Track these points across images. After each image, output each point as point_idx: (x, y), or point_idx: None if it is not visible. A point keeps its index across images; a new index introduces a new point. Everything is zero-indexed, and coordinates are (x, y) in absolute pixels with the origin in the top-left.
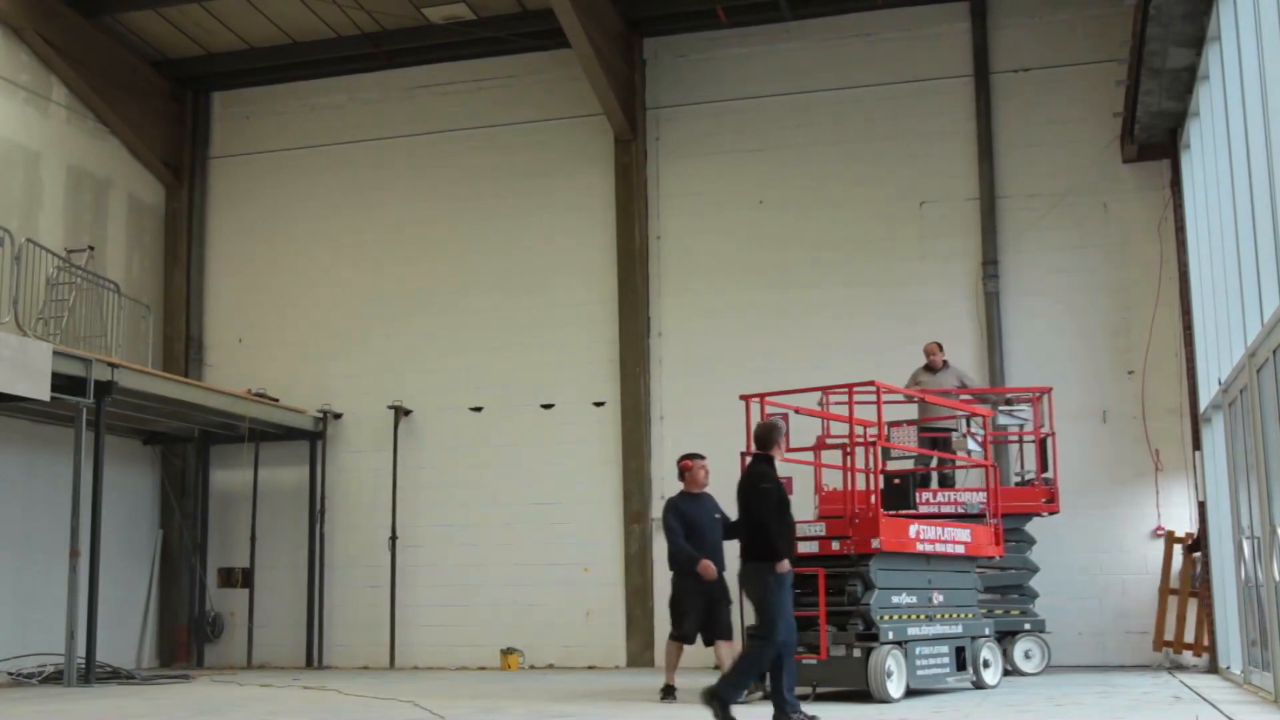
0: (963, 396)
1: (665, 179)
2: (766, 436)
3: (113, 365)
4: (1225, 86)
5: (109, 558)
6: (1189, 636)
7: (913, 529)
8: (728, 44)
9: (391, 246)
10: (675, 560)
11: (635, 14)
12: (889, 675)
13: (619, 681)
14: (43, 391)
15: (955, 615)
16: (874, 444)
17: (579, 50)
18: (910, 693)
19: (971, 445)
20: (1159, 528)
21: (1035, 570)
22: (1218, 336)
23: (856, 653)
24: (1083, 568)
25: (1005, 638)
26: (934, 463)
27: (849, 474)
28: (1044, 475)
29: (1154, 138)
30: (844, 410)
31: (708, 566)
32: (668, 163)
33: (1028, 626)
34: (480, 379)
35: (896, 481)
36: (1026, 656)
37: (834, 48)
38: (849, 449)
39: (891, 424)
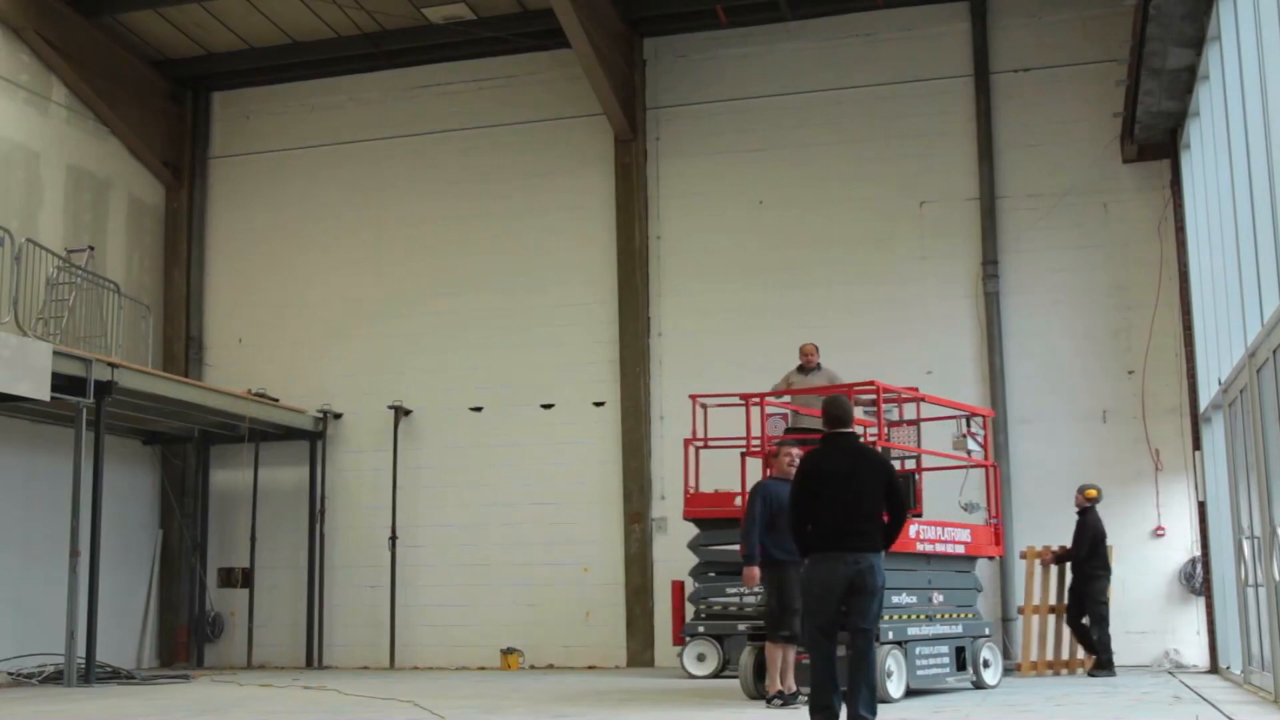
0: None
1: (665, 179)
2: (849, 412)
3: (113, 365)
4: (1225, 86)
5: (109, 558)
6: (1069, 654)
7: (913, 529)
8: (728, 44)
9: (391, 246)
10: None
11: (635, 14)
12: (889, 675)
13: (619, 682)
14: (43, 391)
15: (955, 615)
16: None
17: (579, 50)
18: (910, 693)
19: (972, 445)
20: (1159, 528)
21: None
22: (1218, 336)
23: None
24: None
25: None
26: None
27: None
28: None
29: (1154, 138)
30: None
31: (751, 575)
32: (668, 163)
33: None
34: (480, 379)
35: None
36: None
37: (834, 48)
38: None
39: (891, 424)
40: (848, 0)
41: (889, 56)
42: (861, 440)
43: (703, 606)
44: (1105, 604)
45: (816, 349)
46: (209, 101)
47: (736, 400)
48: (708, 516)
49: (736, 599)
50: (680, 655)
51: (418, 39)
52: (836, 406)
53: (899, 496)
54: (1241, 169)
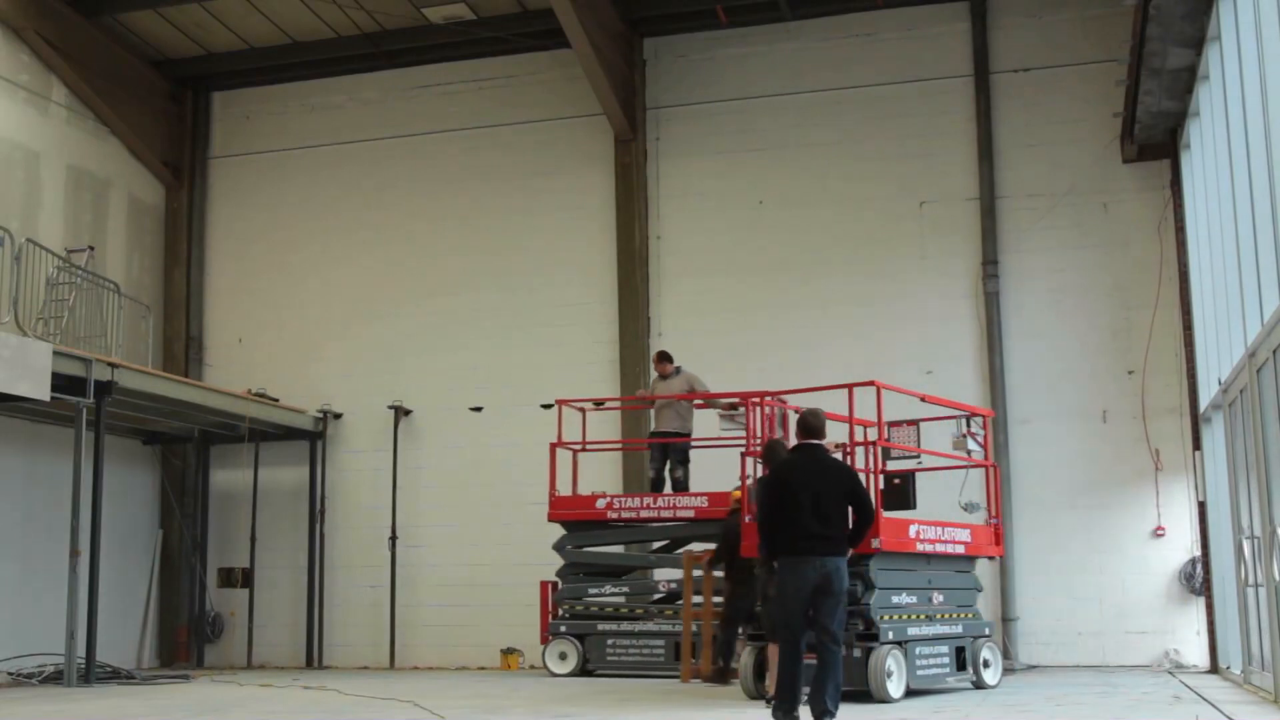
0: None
1: (665, 179)
2: (821, 425)
3: (113, 365)
4: (1225, 86)
5: (109, 558)
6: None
7: (913, 529)
8: (728, 44)
9: (392, 246)
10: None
11: (635, 14)
12: (889, 675)
13: (618, 682)
14: (43, 391)
15: (955, 615)
16: (874, 444)
17: (579, 50)
18: (910, 693)
19: (972, 445)
20: (1159, 528)
21: None
22: (1218, 336)
23: (856, 653)
24: (1083, 568)
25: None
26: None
27: None
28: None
29: (1154, 138)
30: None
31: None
32: (668, 162)
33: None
34: (480, 379)
35: (897, 481)
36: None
37: (834, 48)
38: (849, 449)
39: (891, 424)
40: (848, 0)
41: (889, 56)
42: (829, 452)
43: (566, 607)
44: (742, 609)
45: (670, 358)
46: (209, 101)
47: (590, 405)
48: (572, 519)
49: (598, 599)
50: (544, 654)
51: (418, 39)
52: (813, 418)
53: (862, 503)
54: (1241, 169)
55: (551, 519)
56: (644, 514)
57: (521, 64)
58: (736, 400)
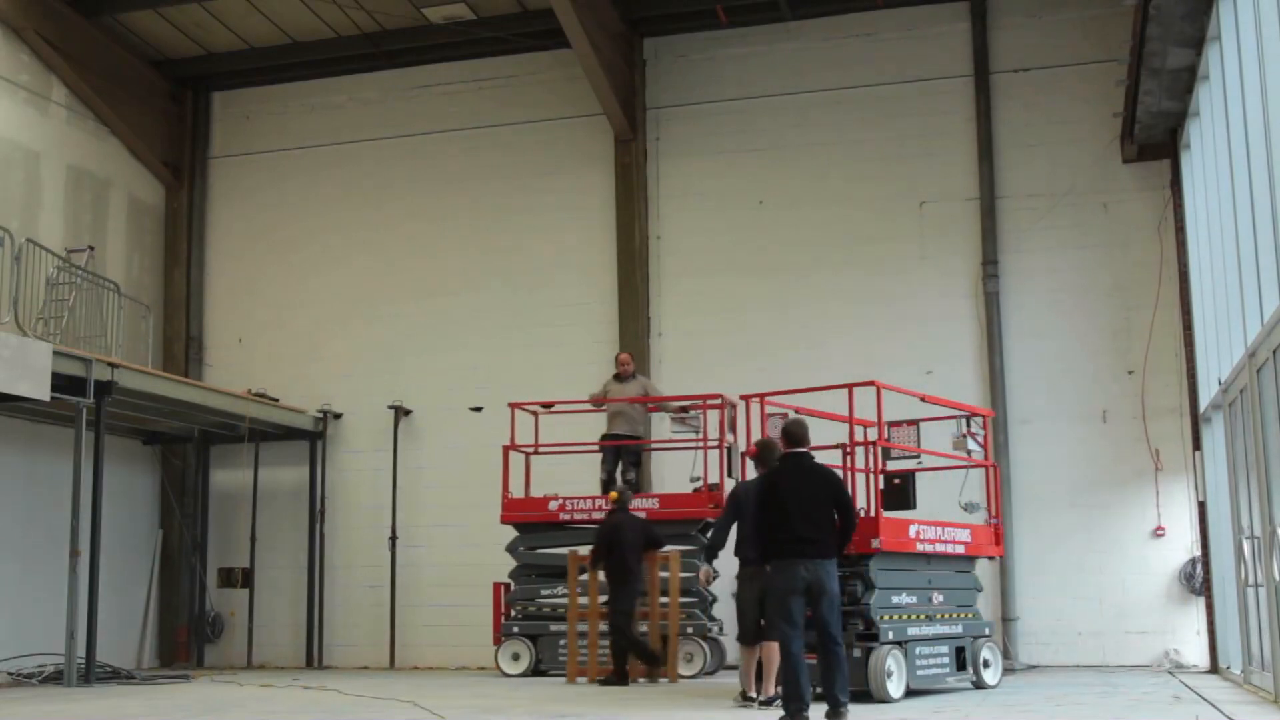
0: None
1: (665, 179)
2: (806, 434)
3: (113, 365)
4: (1225, 86)
5: (109, 558)
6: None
7: (913, 529)
8: (728, 44)
9: (392, 246)
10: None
11: (635, 14)
12: (889, 675)
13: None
14: (43, 391)
15: (955, 615)
16: (874, 444)
17: (579, 50)
18: (910, 693)
19: (972, 445)
20: (1159, 528)
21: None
22: (1218, 336)
23: (856, 653)
24: (1083, 568)
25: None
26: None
27: (849, 474)
28: (710, 483)
29: (1154, 138)
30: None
31: (706, 574)
32: (668, 162)
33: (690, 630)
34: (480, 379)
35: (897, 481)
36: (688, 659)
37: (834, 47)
38: (849, 449)
39: (891, 424)
40: (848, 0)
41: (889, 56)
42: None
43: (519, 608)
44: (624, 613)
45: (631, 358)
46: (209, 101)
47: (539, 408)
48: (524, 521)
49: (551, 600)
50: (496, 655)
51: (418, 39)
52: (797, 427)
53: (847, 509)
54: (1241, 169)
55: (504, 521)
56: (596, 516)
57: (521, 64)
58: (687, 404)
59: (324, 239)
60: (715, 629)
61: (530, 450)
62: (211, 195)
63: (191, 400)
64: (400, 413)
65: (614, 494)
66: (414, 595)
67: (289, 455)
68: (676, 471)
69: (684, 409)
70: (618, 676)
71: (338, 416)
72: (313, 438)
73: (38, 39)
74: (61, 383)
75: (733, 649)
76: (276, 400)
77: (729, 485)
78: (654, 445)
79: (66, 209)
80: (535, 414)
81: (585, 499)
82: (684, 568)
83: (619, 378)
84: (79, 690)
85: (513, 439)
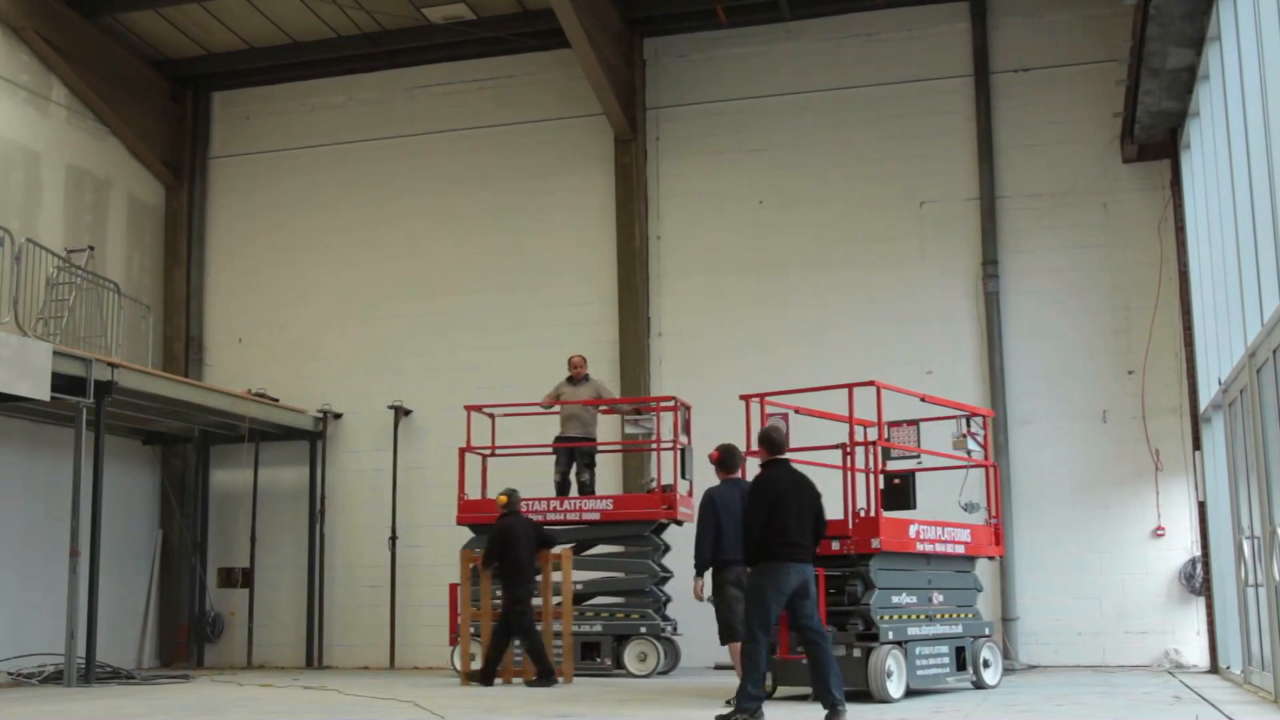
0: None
1: (665, 179)
2: (786, 439)
3: (113, 365)
4: (1225, 86)
5: (109, 558)
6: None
7: (913, 529)
8: (728, 44)
9: (391, 246)
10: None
11: (635, 14)
12: (889, 675)
13: (618, 682)
14: (43, 391)
15: (955, 615)
16: (874, 444)
17: (579, 50)
18: (910, 693)
19: (972, 445)
20: (1159, 528)
21: (662, 576)
22: (1218, 336)
23: (856, 653)
24: (1082, 567)
25: (621, 640)
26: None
27: (849, 474)
28: (664, 483)
29: (1154, 138)
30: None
31: (700, 588)
32: (668, 162)
33: (644, 630)
34: (480, 379)
35: (897, 481)
36: (641, 659)
37: (834, 48)
38: (849, 449)
39: (891, 424)
40: (848, 0)
41: (889, 56)
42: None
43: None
44: (522, 601)
45: (585, 360)
46: (209, 101)
47: (499, 411)
48: (479, 522)
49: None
50: (451, 655)
51: (418, 39)
52: (777, 434)
53: (822, 516)
54: (1241, 169)
55: (460, 522)
56: (550, 517)
57: (521, 64)
58: (639, 406)
59: (324, 239)
60: (669, 629)
61: (487, 452)
62: (211, 195)
63: (191, 400)
64: (400, 413)
65: (503, 497)
66: (414, 595)
67: (289, 455)
68: (630, 472)
69: (636, 410)
70: (487, 676)
71: (338, 416)
72: (313, 438)
73: (37, 39)
74: (61, 383)
75: (691, 650)
76: (276, 400)
77: (682, 487)
78: (603, 447)
79: (66, 209)
80: (492, 416)
81: (539, 500)
82: (630, 569)
83: (572, 380)
84: (79, 690)
85: (468, 441)
